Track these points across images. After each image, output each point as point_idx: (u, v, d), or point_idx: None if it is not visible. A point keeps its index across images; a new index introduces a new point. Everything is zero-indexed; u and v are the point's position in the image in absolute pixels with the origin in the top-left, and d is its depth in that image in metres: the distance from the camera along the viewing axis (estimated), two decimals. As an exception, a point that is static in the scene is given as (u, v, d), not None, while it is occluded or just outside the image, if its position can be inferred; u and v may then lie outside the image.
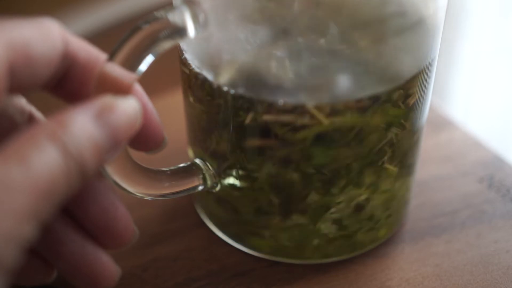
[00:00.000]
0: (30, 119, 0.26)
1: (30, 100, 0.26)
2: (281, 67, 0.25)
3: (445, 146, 0.38)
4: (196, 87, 0.28)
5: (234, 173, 0.29)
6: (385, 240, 0.32)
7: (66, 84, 0.25)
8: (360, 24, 0.25)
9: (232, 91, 0.26)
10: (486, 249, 0.32)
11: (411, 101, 0.28)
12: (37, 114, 0.26)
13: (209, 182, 0.30)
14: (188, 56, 0.28)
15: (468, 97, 0.80)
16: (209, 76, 0.27)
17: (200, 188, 0.30)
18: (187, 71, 0.28)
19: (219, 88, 0.26)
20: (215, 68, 0.27)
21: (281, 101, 0.25)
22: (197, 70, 0.27)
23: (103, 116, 0.22)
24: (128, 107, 0.23)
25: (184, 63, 0.28)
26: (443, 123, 0.40)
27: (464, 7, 0.76)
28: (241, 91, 0.26)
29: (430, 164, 0.37)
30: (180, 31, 0.25)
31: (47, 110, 0.25)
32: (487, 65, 0.78)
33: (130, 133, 0.23)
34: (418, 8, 0.27)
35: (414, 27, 0.26)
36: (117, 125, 0.22)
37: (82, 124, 0.21)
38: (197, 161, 0.30)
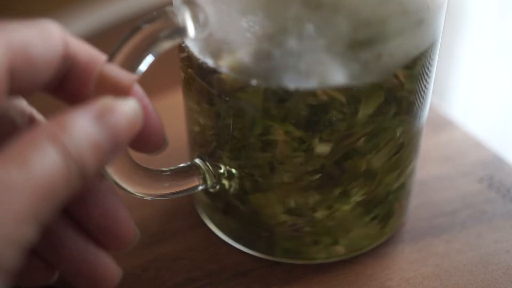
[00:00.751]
0: (31, 121, 0.26)
1: (31, 102, 0.26)
2: (284, 53, 0.25)
3: (445, 146, 0.38)
4: (198, 75, 0.28)
5: (234, 171, 0.29)
6: (385, 240, 0.32)
7: (66, 86, 0.25)
8: (361, 22, 0.25)
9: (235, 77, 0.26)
10: (486, 249, 0.32)
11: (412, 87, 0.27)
12: (38, 116, 0.26)
13: (209, 182, 0.30)
14: (189, 42, 0.28)
15: (468, 97, 0.80)
16: (211, 62, 0.26)
17: (200, 188, 0.30)
18: (189, 59, 0.28)
19: (221, 74, 0.26)
20: (217, 54, 0.27)
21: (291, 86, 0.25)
22: (198, 55, 0.27)
23: (103, 118, 0.22)
24: (128, 108, 0.23)
25: (184, 49, 0.28)
26: (443, 123, 0.40)
27: (464, 7, 0.76)
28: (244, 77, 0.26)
29: (430, 164, 0.37)
30: (180, 31, 0.25)
31: (47, 112, 0.25)
32: (487, 65, 0.78)
33: (130, 134, 0.23)
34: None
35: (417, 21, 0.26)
36: (117, 126, 0.22)
37: (82, 126, 0.21)
38: (197, 161, 0.30)
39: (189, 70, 0.28)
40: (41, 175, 0.20)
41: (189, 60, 0.28)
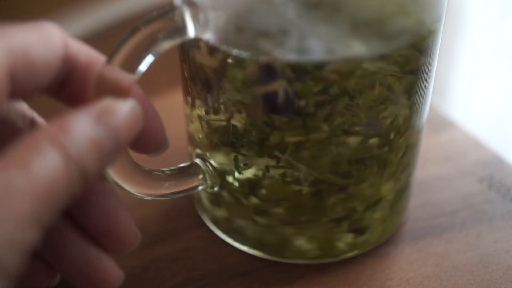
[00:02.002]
0: (32, 124, 0.26)
1: (31, 104, 0.26)
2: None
3: (445, 146, 0.38)
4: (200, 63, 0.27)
5: (236, 170, 0.29)
6: (385, 240, 0.32)
7: (67, 88, 0.25)
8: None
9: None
10: (486, 249, 0.32)
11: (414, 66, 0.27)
12: (39, 119, 0.26)
13: (209, 182, 0.30)
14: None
15: (468, 97, 0.80)
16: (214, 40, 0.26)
17: (200, 188, 0.30)
18: (191, 48, 0.27)
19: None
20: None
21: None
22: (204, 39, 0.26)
23: (103, 118, 0.22)
24: (128, 109, 0.23)
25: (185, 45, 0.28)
26: (443, 123, 0.40)
27: (464, 7, 0.76)
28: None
29: (430, 164, 0.37)
30: (180, 31, 0.25)
31: (48, 114, 0.25)
32: (487, 65, 0.78)
33: (131, 135, 0.23)
34: None
35: None
36: (117, 126, 0.22)
37: (83, 127, 0.21)
38: (197, 161, 0.30)
39: (190, 60, 0.28)
40: (42, 177, 0.20)
41: (191, 50, 0.27)
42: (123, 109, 0.22)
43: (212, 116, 0.28)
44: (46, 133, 0.21)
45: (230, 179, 0.29)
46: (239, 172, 0.29)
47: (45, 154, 0.20)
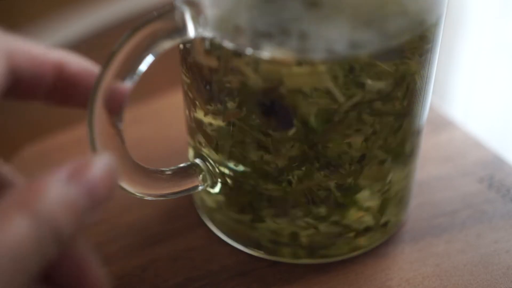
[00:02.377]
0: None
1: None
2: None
3: (445, 146, 0.38)
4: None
5: (236, 167, 0.29)
6: (385, 240, 0.32)
7: (13, 93, 0.24)
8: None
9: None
10: (486, 249, 0.32)
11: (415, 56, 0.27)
12: (19, 181, 0.25)
13: (209, 182, 0.30)
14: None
15: (468, 97, 0.80)
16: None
17: (200, 188, 0.30)
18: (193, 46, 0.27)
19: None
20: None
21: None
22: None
23: (76, 176, 0.21)
24: (103, 165, 0.22)
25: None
26: (443, 123, 0.40)
27: (464, 7, 0.76)
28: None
29: (430, 164, 0.37)
30: (180, 31, 0.25)
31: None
32: (487, 65, 0.78)
33: (107, 189, 0.22)
34: None
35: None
36: (91, 182, 0.21)
37: (55, 188, 0.20)
38: (197, 161, 0.30)
39: (190, 60, 0.28)
40: (8, 246, 0.19)
41: (191, 49, 0.27)
42: (96, 164, 0.22)
43: (211, 116, 0.28)
44: (15, 198, 0.20)
45: (229, 178, 0.29)
46: (238, 172, 0.29)
47: (11, 220, 0.19)
